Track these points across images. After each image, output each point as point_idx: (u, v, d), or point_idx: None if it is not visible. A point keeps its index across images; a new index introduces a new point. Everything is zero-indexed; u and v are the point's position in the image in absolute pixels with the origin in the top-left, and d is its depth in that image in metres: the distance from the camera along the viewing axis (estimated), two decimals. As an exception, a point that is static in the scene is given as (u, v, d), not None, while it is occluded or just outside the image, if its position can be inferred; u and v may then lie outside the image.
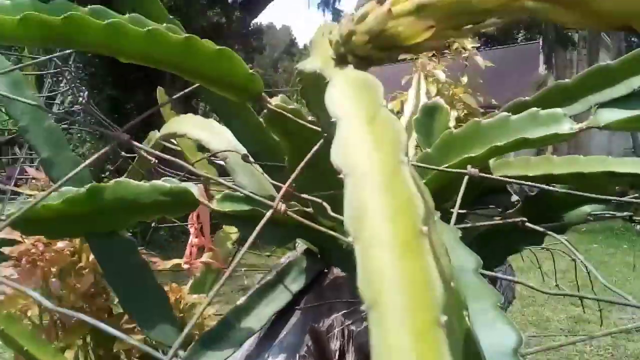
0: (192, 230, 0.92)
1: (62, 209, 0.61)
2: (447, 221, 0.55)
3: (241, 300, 0.72)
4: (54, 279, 0.80)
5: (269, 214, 0.46)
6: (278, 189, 0.67)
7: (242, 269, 1.12)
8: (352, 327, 0.67)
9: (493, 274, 0.55)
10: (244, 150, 0.72)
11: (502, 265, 0.74)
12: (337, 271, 0.78)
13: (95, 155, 0.52)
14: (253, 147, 0.72)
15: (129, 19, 0.48)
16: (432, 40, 0.26)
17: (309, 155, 0.48)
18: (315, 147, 0.48)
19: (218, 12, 6.48)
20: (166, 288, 0.84)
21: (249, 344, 0.74)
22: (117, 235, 0.70)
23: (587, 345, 3.21)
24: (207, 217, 0.94)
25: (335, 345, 0.67)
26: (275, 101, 0.59)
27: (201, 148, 0.98)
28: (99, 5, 0.48)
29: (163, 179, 0.68)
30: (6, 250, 0.81)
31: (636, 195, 0.63)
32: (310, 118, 0.58)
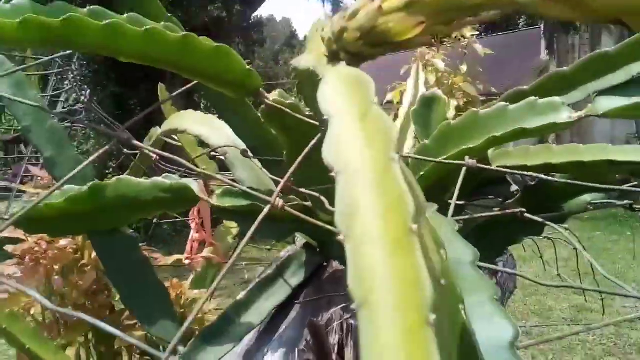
0: (193, 225, 0.93)
1: (64, 207, 0.62)
2: (446, 213, 0.55)
3: (241, 295, 0.72)
4: (56, 277, 0.80)
5: (267, 209, 0.46)
6: (277, 183, 0.67)
7: (243, 263, 1.12)
8: (351, 321, 0.67)
9: (492, 266, 0.55)
10: (243, 146, 0.72)
11: (501, 256, 0.74)
12: (336, 264, 0.78)
13: (96, 154, 0.52)
14: (252, 142, 0.73)
15: (127, 19, 0.48)
16: (423, 35, 0.26)
17: (306, 150, 0.48)
18: (313, 142, 0.48)
19: (219, 7, 6.46)
20: (167, 284, 0.85)
21: (249, 338, 0.74)
22: (119, 232, 0.71)
23: (590, 335, 3.21)
24: (207, 213, 0.94)
25: (334, 339, 0.68)
26: (273, 96, 0.59)
27: (202, 143, 0.98)
28: (98, 6, 0.48)
29: (163, 175, 0.69)
30: (10, 248, 0.82)
31: (636, 183, 0.63)
32: (308, 112, 0.58)
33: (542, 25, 10.77)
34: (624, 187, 0.58)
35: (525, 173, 0.58)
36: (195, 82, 0.58)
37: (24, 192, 1.12)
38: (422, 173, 0.62)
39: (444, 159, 0.59)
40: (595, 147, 0.61)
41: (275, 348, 0.69)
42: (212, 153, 0.79)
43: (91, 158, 0.52)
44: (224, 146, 0.72)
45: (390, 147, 0.22)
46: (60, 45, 0.45)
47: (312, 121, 0.55)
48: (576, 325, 3.31)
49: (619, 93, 0.54)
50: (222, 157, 0.77)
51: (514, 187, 0.77)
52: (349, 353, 0.67)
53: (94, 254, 0.84)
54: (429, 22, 0.25)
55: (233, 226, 1.13)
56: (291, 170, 0.48)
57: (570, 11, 0.21)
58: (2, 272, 0.79)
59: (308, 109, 0.58)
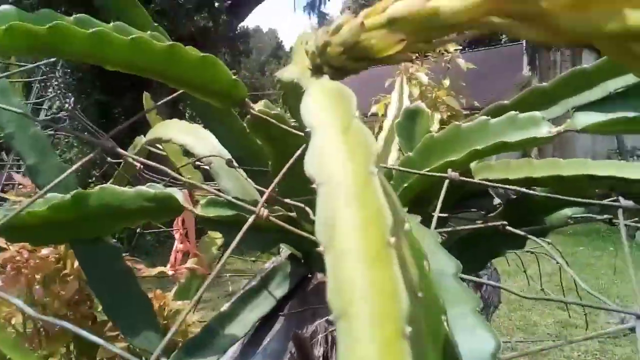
0: (177, 235, 0.92)
1: (47, 215, 0.61)
2: (430, 224, 0.56)
3: (225, 306, 0.72)
4: (38, 286, 0.79)
5: (251, 219, 0.46)
6: (262, 193, 0.68)
7: (227, 275, 1.12)
8: (336, 333, 0.67)
9: (473, 278, 0.56)
10: (228, 155, 0.73)
11: (484, 269, 0.75)
12: (320, 276, 0.78)
13: (79, 163, 0.52)
14: (237, 152, 0.73)
15: (113, 28, 0.48)
16: (404, 52, 0.27)
17: (291, 160, 0.49)
18: (298, 152, 0.49)
19: (205, 16, 6.48)
20: (150, 295, 0.84)
21: (233, 350, 0.74)
22: (102, 241, 0.70)
23: (575, 351, 3.23)
24: (192, 223, 0.94)
25: (318, 351, 0.68)
26: (258, 106, 0.60)
27: (187, 153, 0.98)
28: (84, 15, 0.49)
29: (148, 184, 0.68)
30: (-10, 257, 0.81)
31: (614, 198, 0.64)
32: (293, 123, 0.59)
33: (524, 42, 10.94)
34: (604, 201, 0.59)
35: (507, 186, 0.59)
36: (181, 91, 0.58)
37: (6, 199, 1.10)
38: (405, 185, 0.63)
39: (427, 171, 0.60)
40: (575, 162, 0.62)
41: (259, 360, 0.69)
42: (197, 162, 0.79)
43: (75, 166, 0.52)
44: (209, 156, 0.72)
45: (370, 161, 0.23)
46: (46, 53, 0.45)
47: (297, 132, 0.56)
48: (561, 343, 3.32)
49: (596, 109, 0.55)
50: (206, 167, 0.77)
51: (497, 200, 0.78)
52: (333, 365, 0.67)
53: (76, 264, 0.83)
54: (409, 39, 0.26)
55: (217, 237, 1.12)
56: (276, 180, 0.49)
57: (543, 34, 0.22)
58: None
59: (293, 119, 0.59)
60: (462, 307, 0.40)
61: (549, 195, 0.61)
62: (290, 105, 0.50)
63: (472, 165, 0.71)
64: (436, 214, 0.52)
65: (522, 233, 0.59)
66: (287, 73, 0.38)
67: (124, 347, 0.76)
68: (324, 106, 0.26)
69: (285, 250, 0.82)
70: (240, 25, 9.11)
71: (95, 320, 0.85)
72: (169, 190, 0.67)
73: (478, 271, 0.76)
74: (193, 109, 0.75)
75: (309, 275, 0.79)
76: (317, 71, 0.32)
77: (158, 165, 0.61)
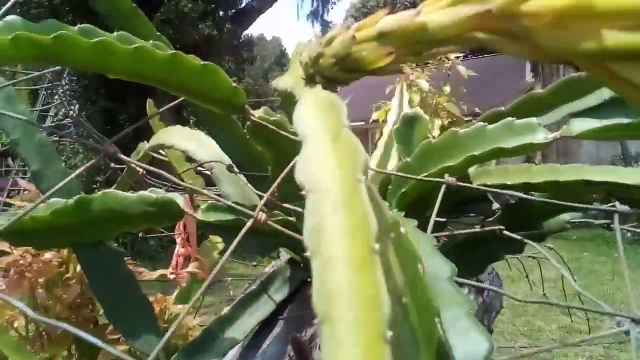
0: (178, 240, 0.93)
1: (50, 220, 0.62)
2: (427, 229, 0.57)
3: (225, 310, 0.72)
4: (40, 290, 0.80)
5: (249, 223, 0.47)
6: (261, 198, 0.68)
7: (229, 279, 1.12)
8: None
9: (474, 283, 0.56)
10: (229, 161, 0.73)
11: (482, 273, 0.75)
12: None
13: (82, 168, 0.53)
14: (238, 157, 0.74)
15: (116, 37, 0.49)
16: (393, 64, 0.28)
17: (290, 166, 0.49)
18: (297, 157, 0.50)
19: (209, 25, 6.52)
20: (151, 298, 0.85)
21: (233, 354, 0.74)
22: (104, 245, 0.71)
23: (579, 356, 3.21)
24: (193, 227, 0.95)
25: (317, 355, 0.68)
26: (258, 113, 0.61)
27: (189, 159, 0.99)
28: (88, 25, 0.50)
29: (149, 189, 0.69)
30: (-5, 261, 0.82)
31: (612, 204, 0.65)
32: (292, 129, 0.60)
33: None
34: (601, 207, 0.59)
35: (504, 191, 0.60)
36: (182, 98, 0.59)
37: (11, 205, 1.11)
38: (403, 190, 0.64)
39: (425, 176, 0.60)
40: (572, 167, 0.63)
41: (259, 363, 0.70)
42: (199, 168, 0.80)
43: (78, 171, 0.53)
44: (210, 161, 0.73)
45: (358, 169, 0.24)
46: (51, 62, 0.46)
47: (296, 138, 0.56)
48: (566, 346, 3.30)
49: (592, 115, 0.56)
50: (208, 172, 0.78)
51: (495, 205, 0.79)
52: (331, 368, 0.67)
53: (78, 268, 0.84)
54: (399, 52, 0.27)
55: (219, 241, 1.13)
56: (274, 185, 0.50)
57: (526, 50, 0.22)
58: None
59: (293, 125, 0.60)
60: (457, 310, 0.41)
61: (546, 200, 0.62)
62: (288, 112, 0.51)
63: (471, 170, 0.72)
64: (432, 218, 0.52)
65: (519, 237, 0.60)
66: (282, 82, 0.39)
67: (125, 350, 0.77)
68: (315, 115, 0.27)
69: (284, 254, 0.83)
70: (244, 33, 9.16)
71: (97, 324, 0.86)
72: (170, 195, 0.68)
73: (477, 275, 0.77)
74: (195, 115, 0.76)
75: (309, 279, 0.80)
76: (310, 81, 0.33)
77: (159, 171, 0.62)
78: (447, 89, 3.25)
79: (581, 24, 0.20)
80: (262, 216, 0.50)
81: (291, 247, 0.75)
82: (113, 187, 1.10)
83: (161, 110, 0.82)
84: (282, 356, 0.71)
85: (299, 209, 0.57)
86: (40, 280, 0.81)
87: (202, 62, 0.51)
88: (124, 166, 1.14)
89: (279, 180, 0.49)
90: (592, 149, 8.88)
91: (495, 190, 0.60)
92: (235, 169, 0.71)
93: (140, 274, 0.97)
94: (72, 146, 6.06)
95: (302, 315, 0.73)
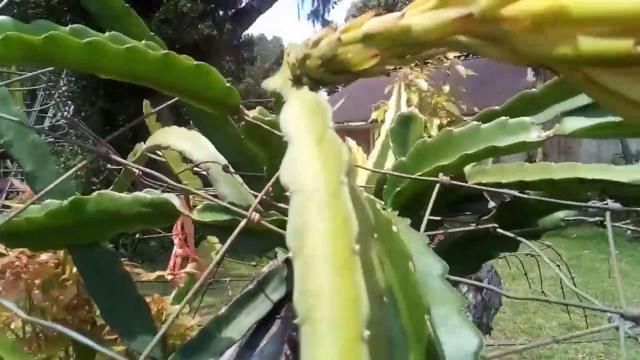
0: (176, 240, 0.93)
1: (44, 221, 0.62)
2: (425, 228, 0.57)
3: (222, 310, 0.73)
4: (36, 291, 0.80)
5: (242, 223, 0.47)
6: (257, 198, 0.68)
7: (227, 279, 1.13)
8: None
9: (477, 283, 0.56)
10: (224, 161, 0.74)
11: (478, 270, 0.75)
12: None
13: (73, 169, 0.53)
14: (234, 157, 0.74)
15: (108, 37, 0.49)
16: (378, 66, 0.28)
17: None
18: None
19: (209, 25, 6.52)
20: (148, 299, 0.85)
21: (230, 353, 0.74)
22: (99, 246, 0.71)
23: (580, 353, 3.22)
24: (191, 228, 0.95)
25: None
26: (253, 113, 0.61)
27: (186, 159, 0.99)
28: (80, 25, 0.50)
29: (145, 190, 0.69)
30: (-10, 262, 0.82)
31: (606, 202, 0.65)
32: (286, 129, 0.60)
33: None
34: (592, 204, 0.60)
35: (497, 189, 0.60)
36: (176, 99, 0.59)
37: (9, 207, 1.12)
38: (398, 189, 0.64)
39: (419, 175, 0.61)
40: (565, 165, 0.63)
41: (255, 362, 0.70)
42: (195, 169, 0.80)
43: (69, 172, 0.53)
44: (206, 162, 0.73)
45: (342, 170, 0.24)
46: (42, 62, 0.46)
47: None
48: (566, 343, 3.31)
49: (584, 114, 0.56)
50: (204, 173, 0.78)
51: (492, 204, 0.79)
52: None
53: (75, 269, 0.84)
54: (383, 54, 0.27)
55: (217, 242, 1.13)
56: (267, 185, 0.50)
57: (507, 54, 0.22)
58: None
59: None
60: (448, 307, 0.41)
61: (539, 198, 0.62)
62: (278, 112, 0.51)
63: (467, 169, 0.72)
64: (426, 217, 0.53)
65: (512, 235, 0.60)
66: (272, 83, 0.40)
67: (122, 350, 0.77)
68: (301, 116, 0.27)
69: (281, 254, 0.83)
70: (244, 33, 9.15)
71: (94, 324, 0.86)
72: (166, 195, 0.68)
73: (473, 272, 0.77)
74: (190, 115, 0.76)
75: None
76: (297, 82, 0.33)
77: (154, 172, 0.62)
78: (446, 88, 3.26)
79: (557, 30, 0.20)
80: (256, 216, 0.50)
81: (287, 247, 0.75)
82: (110, 188, 1.10)
83: (156, 110, 0.82)
84: (278, 355, 0.71)
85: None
86: (37, 281, 0.82)
87: (195, 62, 0.51)
88: (122, 167, 1.15)
89: (273, 180, 0.50)
90: (593, 147, 8.87)
91: (489, 188, 0.60)
92: (231, 169, 0.71)
93: (138, 275, 0.97)
94: (70, 148, 6.06)
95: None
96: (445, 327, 0.40)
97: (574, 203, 0.59)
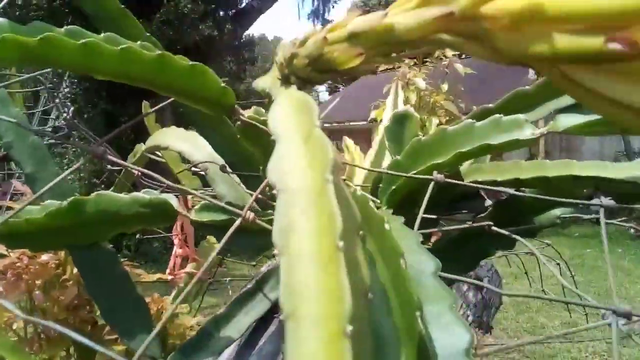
0: (176, 241, 0.94)
1: (44, 222, 0.63)
2: (419, 225, 0.57)
3: (221, 309, 0.73)
4: (37, 292, 0.81)
5: (237, 222, 0.48)
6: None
7: (227, 279, 1.13)
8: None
9: (477, 282, 0.57)
10: (221, 161, 0.74)
11: (474, 268, 0.75)
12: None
13: (70, 170, 0.53)
14: (230, 157, 0.74)
15: (103, 38, 0.50)
16: (364, 65, 0.28)
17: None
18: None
19: (210, 26, 6.52)
20: (148, 299, 0.86)
21: (229, 352, 0.75)
22: (99, 247, 0.72)
23: (582, 352, 3.21)
24: (191, 228, 0.96)
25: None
26: (248, 113, 0.61)
27: (185, 159, 0.99)
28: (75, 26, 0.50)
29: (143, 190, 0.70)
30: (-8, 263, 0.83)
31: (601, 199, 0.65)
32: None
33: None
34: (586, 201, 0.60)
35: (491, 187, 0.60)
36: (172, 99, 0.60)
37: (13, 208, 1.12)
38: (394, 187, 0.64)
39: (414, 173, 0.61)
40: (559, 163, 0.63)
41: (254, 361, 0.70)
42: (194, 169, 0.80)
43: (65, 173, 0.53)
44: (203, 162, 0.73)
45: (327, 168, 0.24)
46: (38, 64, 0.47)
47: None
48: (570, 342, 3.30)
49: (577, 111, 0.56)
50: (202, 173, 0.79)
51: (488, 202, 0.79)
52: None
53: (75, 270, 0.85)
54: (368, 53, 0.28)
55: (216, 242, 1.14)
56: (262, 185, 0.50)
57: (488, 52, 0.23)
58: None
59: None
60: (440, 305, 0.41)
61: (533, 195, 0.62)
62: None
63: (464, 167, 0.72)
64: (419, 215, 0.53)
65: (507, 233, 0.60)
66: (261, 82, 0.40)
67: (122, 350, 0.78)
68: (288, 115, 0.28)
69: (279, 253, 0.83)
70: (245, 33, 9.16)
71: (95, 324, 0.87)
72: (164, 196, 0.68)
73: (469, 271, 0.77)
74: (186, 116, 0.76)
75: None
76: (285, 81, 0.34)
77: (151, 173, 0.62)
78: (445, 87, 3.26)
79: (534, 27, 0.20)
80: (251, 215, 0.50)
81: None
82: (111, 189, 1.11)
83: (153, 110, 0.82)
84: (277, 354, 0.72)
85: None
86: (38, 282, 0.82)
87: (190, 63, 0.51)
88: (122, 168, 1.15)
89: (267, 179, 0.50)
90: (596, 145, 8.84)
91: (484, 186, 0.61)
92: (228, 169, 0.72)
93: (138, 275, 0.97)
94: (74, 150, 6.08)
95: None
96: (438, 324, 0.40)
97: (568, 200, 0.59)
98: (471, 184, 0.61)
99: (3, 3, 0.61)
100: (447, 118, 3.08)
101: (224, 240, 0.45)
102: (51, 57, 0.45)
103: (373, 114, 3.35)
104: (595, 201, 0.65)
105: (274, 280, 0.77)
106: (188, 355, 0.70)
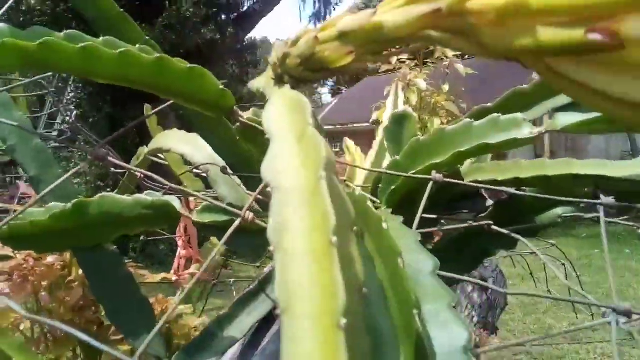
0: (180, 242, 0.95)
1: (48, 224, 0.64)
2: (420, 225, 0.57)
3: (224, 310, 0.74)
4: (43, 293, 0.82)
5: (236, 223, 0.48)
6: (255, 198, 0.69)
7: (231, 280, 1.14)
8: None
9: (479, 282, 0.57)
10: (222, 163, 0.75)
11: (476, 268, 0.75)
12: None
13: (71, 172, 0.54)
14: (230, 159, 0.75)
15: (102, 42, 0.50)
16: (355, 63, 0.29)
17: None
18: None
19: (212, 29, 6.54)
20: (152, 300, 0.86)
21: (233, 352, 0.75)
22: (103, 248, 0.72)
23: (591, 353, 3.20)
24: (194, 230, 0.96)
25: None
26: (247, 114, 0.62)
27: (187, 162, 1.00)
28: (74, 30, 0.51)
29: (146, 192, 0.71)
30: (-1, 265, 0.84)
31: (601, 197, 0.65)
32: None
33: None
34: (585, 200, 0.60)
35: (491, 187, 0.61)
36: (171, 101, 0.61)
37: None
38: (393, 187, 0.64)
39: (413, 173, 0.61)
40: (560, 162, 0.63)
41: (258, 361, 0.71)
42: (195, 171, 0.81)
43: (66, 175, 0.54)
44: (204, 164, 0.74)
45: (320, 166, 0.25)
46: (38, 68, 0.48)
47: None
48: (578, 343, 3.28)
49: (576, 109, 0.56)
50: (205, 175, 0.79)
51: (489, 202, 0.79)
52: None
53: (81, 271, 0.86)
54: (358, 51, 0.28)
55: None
56: (262, 186, 0.51)
57: (475, 48, 0.23)
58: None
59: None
60: (438, 303, 0.41)
61: (534, 195, 0.63)
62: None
63: (465, 166, 0.73)
64: (418, 215, 0.53)
65: (507, 232, 0.60)
66: (256, 82, 0.41)
67: (128, 350, 0.79)
68: (282, 115, 0.28)
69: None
70: (247, 36, 9.18)
71: (102, 325, 0.87)
72: (167, 197, 0.69)
73: (470, 270, 0.77)
74: (186, 118, 0.77)
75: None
76: (279, 81, 0.34)
77: (153, 175, 0.63)
78: (446, 87, 3.26)
79: (519, 22, 0.21)
80: (250, 215, 0.51)
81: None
82: (115, 191, 1.12)
83: (153, 112, 0.83)
84: (280, 354, 0.72)
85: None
86: (44, 283, 0.83)
87: (189, 65, 0.52)
88: (125, 171, 1.16)
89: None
90: (602, 144, 8.80)
91: (483, 186, 0.61)
92: (229, 171, 0.72)
93: (143, 276, 0.98)
94: (80, 153, 6.12)
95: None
96: (436, 323, 0.40)
97: (566, 199, 0.59)
98: (470, 184, 0.61)
99: (4, 8, 0.62)
100: (449, 119, 3.08)
101: (223, 240, 0.46)
102: (51, 61, 0.45)
103: (375, 116, 3.36)
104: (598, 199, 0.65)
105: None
106: (192, 355, 0.71)
